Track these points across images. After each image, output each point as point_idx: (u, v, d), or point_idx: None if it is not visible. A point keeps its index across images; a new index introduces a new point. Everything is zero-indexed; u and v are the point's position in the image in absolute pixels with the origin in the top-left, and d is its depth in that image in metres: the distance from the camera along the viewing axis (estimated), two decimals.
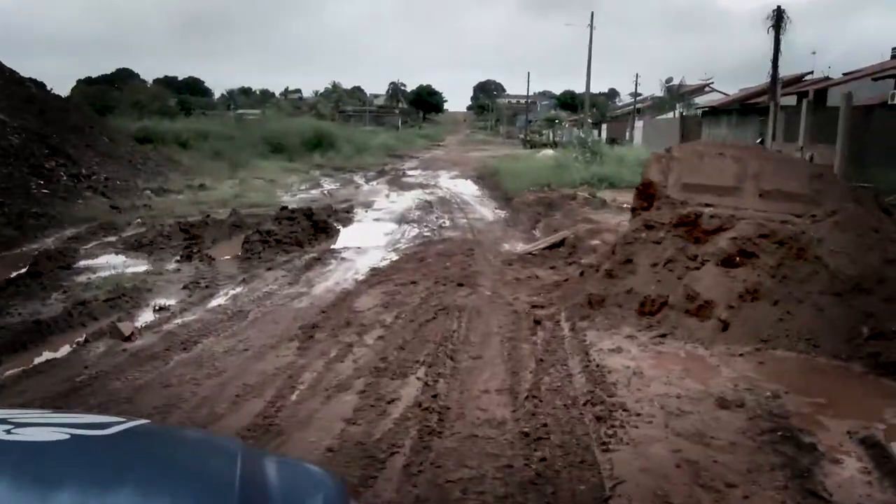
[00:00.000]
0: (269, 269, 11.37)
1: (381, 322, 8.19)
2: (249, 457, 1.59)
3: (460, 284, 10.24)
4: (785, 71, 46.70)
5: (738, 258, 8.10)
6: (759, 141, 29.25)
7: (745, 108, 35.30)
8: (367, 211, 20.32)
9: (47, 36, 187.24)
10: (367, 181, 31.19)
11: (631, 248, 8.92)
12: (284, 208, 16.76)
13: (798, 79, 46.90)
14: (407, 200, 23.23)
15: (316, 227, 15.34)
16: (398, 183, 30.31)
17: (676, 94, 61.70)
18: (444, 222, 17.87)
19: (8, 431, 1.38)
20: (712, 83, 68.09)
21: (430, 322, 8.22)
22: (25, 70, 28.86)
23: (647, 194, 9.61)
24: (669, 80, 71.60)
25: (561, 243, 13.99)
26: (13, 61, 28.80)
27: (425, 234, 15.94)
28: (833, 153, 23.51)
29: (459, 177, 34.50)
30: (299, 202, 21.05)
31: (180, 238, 13.36)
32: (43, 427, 1.48)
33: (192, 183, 24.39)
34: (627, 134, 48.58)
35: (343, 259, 12.61)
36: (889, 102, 35.23)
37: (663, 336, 7.77)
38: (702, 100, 61.33)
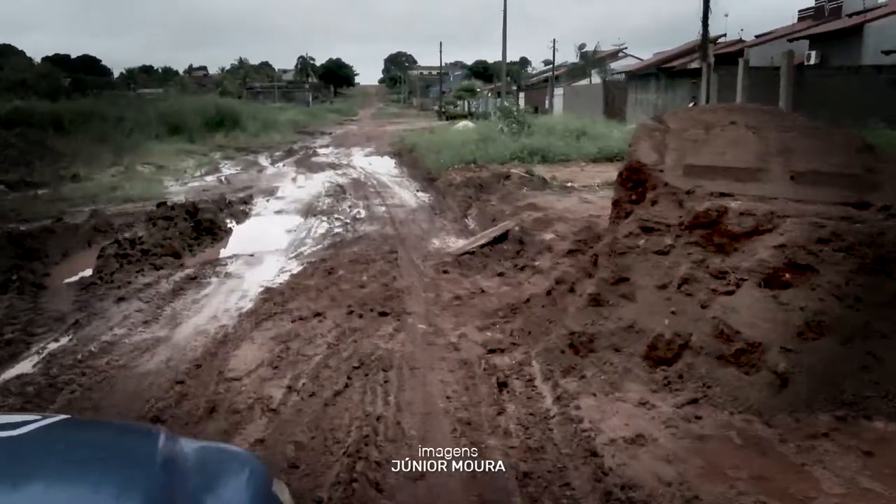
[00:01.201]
0: (120, 299, 8.19)
1: (264, 403, 5.20)
2: (170, 443, 1.60)
3: (383, 313, 7.36)
4: (695, 36, 45.05)
5: (787, 275, 5.44)
6: (691, 104, 27.05)
7: (674, 71, 33.12)
8: (268, 200, 17.14)
9: None
10: (273, 162, 27.82)
11: (624, 260, 6.16)
12: (162, 204, 13.49)
13: (711, 41, 45.22)
14: (316, 185, 20.10)
15: (199, 229, 12.17)
16: (307, 163, 27.04)
17: (592, 59, 59.68)
18: (358, 212, 14.88)
19: None
20: (626, 48, 66.48)
21: (341, 396, 5.29)
22: None
23: (635, 181, 6.86)
24: (583, 46, 69.75)
25: (503, 237, 11.23)
26: None
27: (336, 229, 12.93)
28: None
29: (374, 154, 31.41)
30: (189, 193, 17.73)
31: (9, 254, 9.97)
32: None
33: (63, 173, 20.67)
34: (547, 102, 46.10)
35: (228, 275, 9.52)
36: (806, 63, 33.60)
37: (694, 402, 5.07)
38: (617, 65, 59.55)
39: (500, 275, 9.18)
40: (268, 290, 8.61)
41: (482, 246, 10.94)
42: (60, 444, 1.58)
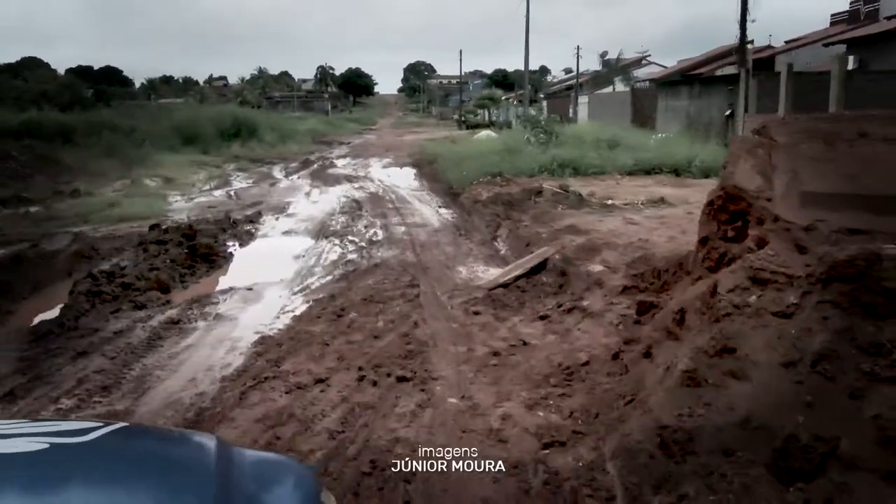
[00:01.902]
0: (79, 354, 6.59)
1: None
2: (224, 451, 1.65)
3: (403, 378, 5.73)
4: (721, 42, 43.03)
5: None
6: (728, 113, 25.30)
7: (707, 78, 31.26)
8: (277, 218, 15.58)
9: None
10: (288, 174, 26.30)
11: (730, 324, 4.49)
12: (156, 227, 11.96)
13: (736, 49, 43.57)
14: (331, 200, 18.53)
15: (195, 255, 10.62)
16: (323, 176, 25.50)
17: (615, 67, 57.83)
18: (375, 233, 13.28)
19: None
20: (649, 55, 64.70)
21: None
22: None
23: (732, 212, 5.22)
24: (605, 53, 67.73)
25: (541, 266, 9.60)
26: None
27: (350, 255, 11.34)
28: None
29: (393, 165, 29.85)
30: (192, 210, 16.24)
31: None
32: (21, 438, 1.44)
33: (62, 188, 19.24)
34: (571, 110, 44.36)
35: (218, 318, 7.93)
36: (846, 69, 31.52)
37: None
38: (641, 73, 57.80)
39: (543, 318, 7.53)
40: (263, 339, 7.02)
41: (517, 278, 9.31)
42: (123, 451, 1.60)
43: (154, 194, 19.01)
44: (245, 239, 12.97)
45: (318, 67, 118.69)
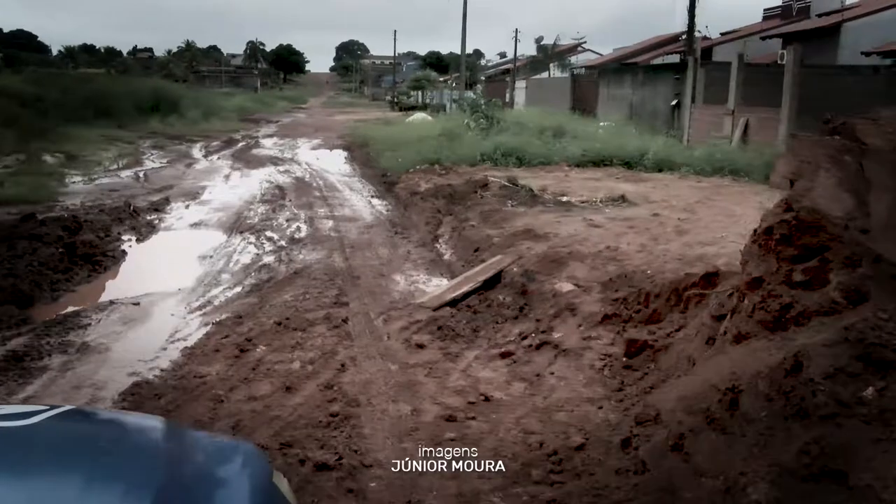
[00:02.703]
0: None
1: None
2: (173, 433, 1.61)
3: (322, 466, 3.95)
4: (656, 32, 42.08)
5: None
6: (674, 103, 24.07)
7: (653, 66, 29.95)
8: (188, 206, 13.51)
9: None
10: (208, 154, 23.99)
11: (836, 433, 2.87)
12: (30, 218, 9.79)
13: (674, 38, 42.79)
14: (252, 185, 16.49)
15: (73, 255, 8.60)
16: (246, 157, 23.29)
17: (551, 52, 56.53)
18: (298, 228, 11.40)
19: None
20: (585, 42, 63.62)
21: None
22: None
23: (804, 245, 3.60)
24: (540, 39, 66.49)
25: (496, 278, 7.94)
26: None
27: (267, 257, 9.45)
28: (773, 118, 18.49)
29: (323, 146, 27.79)
30: (90, 194, 14.04)
31: None
32: None
33: None
34: (508, 95, 42.75)
35: (83, 350, 5.97)
36: (779, 62, 30.78)
37: None
38: (576, 59, 56.64)
39: (505, 356, 5.86)
40: (136, 388, 5.15)
41: (467, 294, 7.63)
42: (69, 434, 1.55)
43: (49, 173, 16.62)
44: (145, 233, 10.93)
45: (248, 43, 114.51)
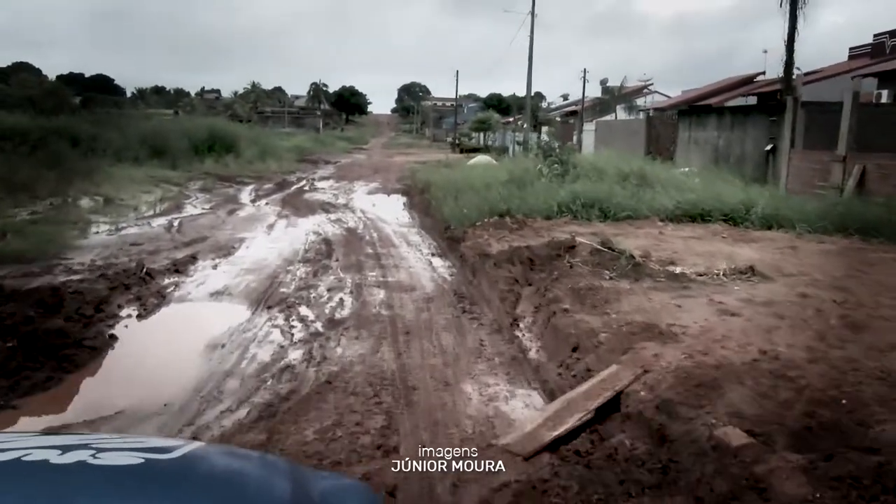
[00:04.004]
0: None
1: None
2: (297, 473, 1.63)
3: None
4: (729, 73, 38.99)
5: None
6: (768, 148, 21.20)
7: (744, 107, 26.89)
8: (216, 266, 11.24)
9: None
10: (257, 198, 21.91)
11: None
12: None
13: (749, 79, 39.82)
14: (296, 238, 14.22)
15: (31, 350, 6.30)
16: (297, 202, 21.14)
17: (618, 94, 53.92)
18: (342, 301, 8.98)
19: (93, 456, 1.34)
20: (652, 84, 60.97)
21: None
22: None
23: None
24: (605, 80, 64.21)
25: (613, 403, 5.38)
26: None
27: (293, 351, 6.98)
28: None
29: (380, 190, 25.59)
30: (107, 249, 11.92)
31: None
32: (115, 452, 1.42)
33: None
34: (575, 137, 40.23)
35: None
36: (875, 102, 27.54)
37: None
38: (645, 101, 54.00)
39: None
40: None
41: (573, 431, 5.08)
42: (208, 470, 1.54)
43: (74, 222, 14.64)
44: (150, 306, 8.61)
45: (311, 84, 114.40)
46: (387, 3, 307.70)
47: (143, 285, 9.39)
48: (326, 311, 8.49)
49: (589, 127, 40.53)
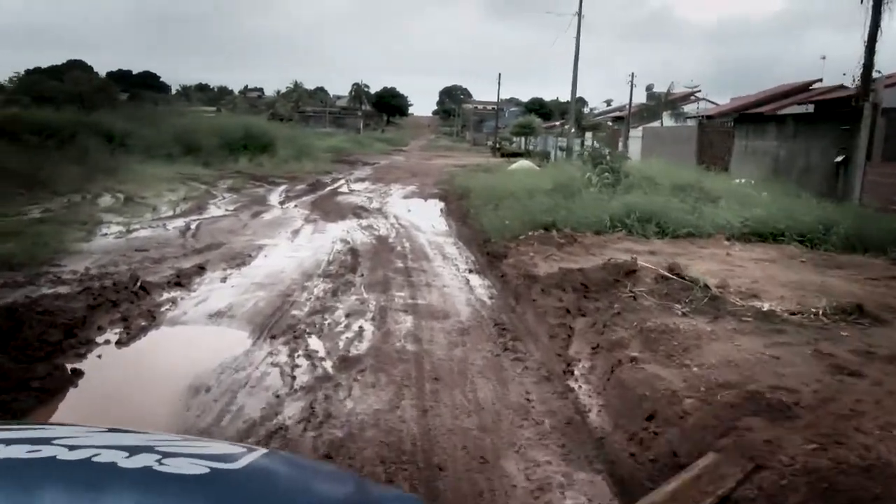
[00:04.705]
0: None
1: None
2: (360, 485, 1.51)
3: None
4: (776, 81, 36.73)
5: None
6: (839, 159, 19.29)
7: (809, 115, 24.83)
8: (225, 279, 9.84)
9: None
10: (284, 201, 20.56)
11: None
12: None
13: (804, 87, 37.49)
14: (321, 247, 12.82)
15: None
16: (327, 205, 19.77)
17: (665, 101, 51.81)
18: (360, 331, 7.50)
19: (159, 462, 1.24)
20: (699, 91, 58.83)
21: None
22: None
23: None
24: (651, 86, 62.16)
25: None
26: None
27: (291, 404, 5.50)
28: None
29: (417, 195, 24.13)
30: (108, 254, 10.62)
31: None
32: (181, 458, 1.30)
33: None
34: (621, 144, 38.40)
35: None
36: None
37: None
38: (690, 108, 51.91)
39: None
40: None
41: None
42: (273, 480, 1.42)
43: (84, 221, 13.41)
44: (135, 329, 7.21)
45: (353, 84, 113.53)
46: (431, 5, 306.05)
47: (133, 302, 8.03)
48: (340, 344, 7.02)
49: (635, 133, 38.68)
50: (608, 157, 18.18)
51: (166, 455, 1.33)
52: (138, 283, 8.54)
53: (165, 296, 8.58)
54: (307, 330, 7.44)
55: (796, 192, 16.89)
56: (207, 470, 1.34)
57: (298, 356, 6.58)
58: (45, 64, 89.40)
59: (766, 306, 7.53)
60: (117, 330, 7.12)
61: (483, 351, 7.10)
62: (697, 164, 26.28)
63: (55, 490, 1.14)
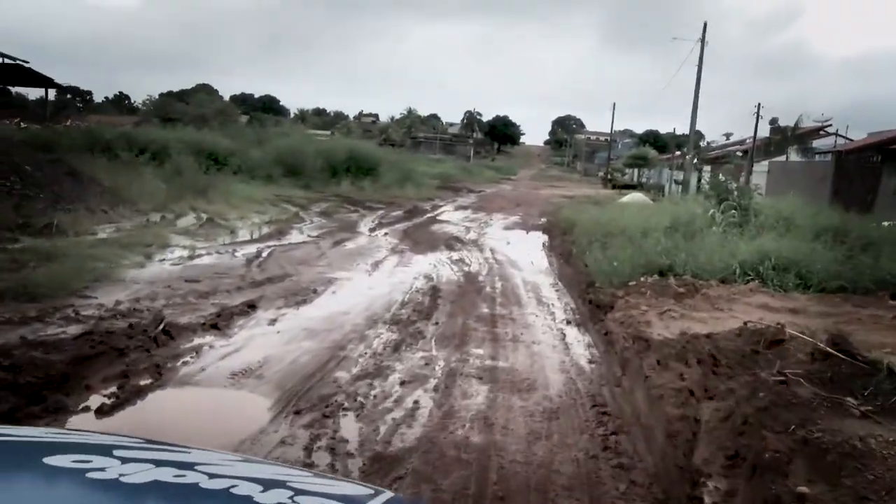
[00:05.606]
0: None
1: None
2: None
3: None
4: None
5: None
6: None
7: None
8: (273, 322, 8.22)
9: (140, 51, 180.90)
10: (375, 228, 19.05)
11: None
12: None
13: None
14: (400, 284, 11.13)
15: None
16: (420, 234, 18.16)
17: (791, 135, 47.98)
18: (415, 409, 5.66)
19: (291, 499, 1.20)
20: (830, 125, 54.41)
21: None
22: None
23: None
24: (775, 120, 58.07)
25: None
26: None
27: None
28: None
29: (519, 226, 22.25)
30: (150, 286, 9.24)
31: None
32: (316, 497, 1.27)
33: (35, 220, 12.66)
34: (743, 179, 35.28)
35: None
36: None
37: None
38: (820, 144, 47.86)
39: None
40: None
41: None
42: None
43: (148, 243, 12.20)
44: (130, 391, 5.61)
45: (465, 112, 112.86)
46: (547, 35, 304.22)
47: (148, 350, 6.50)
48: (382, 430, 5.20)
49: (759, 168, 35.52)
50: (735, 193, 15.74)
51: (298, 493, 1.28)
52: (161, 326, 7.01)
53: (191, 343, 7.02)
54: (344, 404, 5.66)
55: None
56: None
57: (319, 447, 4.80)
58: (177, 87, 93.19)
59: None
60: (109, 391, 5.56)
61: (574, 447, 5.14)
62: (830, 204, 23.28)
63: None
